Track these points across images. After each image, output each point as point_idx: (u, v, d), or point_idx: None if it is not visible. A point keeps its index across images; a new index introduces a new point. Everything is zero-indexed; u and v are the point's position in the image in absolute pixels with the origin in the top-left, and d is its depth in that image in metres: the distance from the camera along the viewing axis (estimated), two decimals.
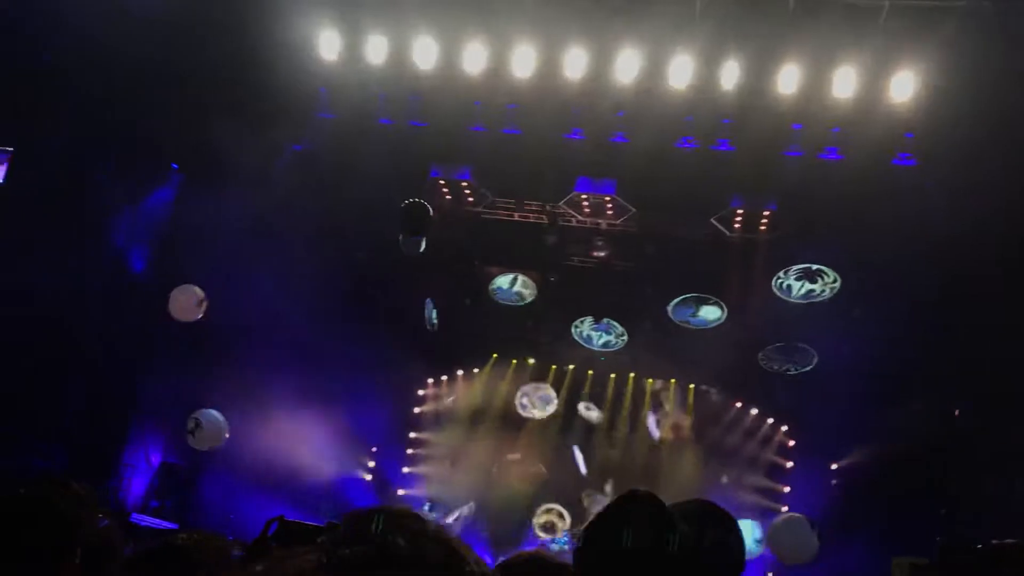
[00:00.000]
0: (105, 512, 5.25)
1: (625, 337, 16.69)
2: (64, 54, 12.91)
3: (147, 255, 14.57)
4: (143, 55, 12.58)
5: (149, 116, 13.14)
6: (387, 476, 16.70)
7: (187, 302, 12.41)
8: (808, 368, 15.56)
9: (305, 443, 14.82)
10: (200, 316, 12.56)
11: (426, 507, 14.85)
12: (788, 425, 16.44)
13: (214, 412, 12.50)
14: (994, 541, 1.87)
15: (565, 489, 16.55)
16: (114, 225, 13.82)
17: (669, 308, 15.95)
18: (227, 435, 12.42)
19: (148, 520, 13.25)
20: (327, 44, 13.51)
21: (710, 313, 15.85)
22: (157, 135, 13.57)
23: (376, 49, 13.43)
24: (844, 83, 12.45)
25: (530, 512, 16.27)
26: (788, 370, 15.68)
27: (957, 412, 13.85)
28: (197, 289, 12.53)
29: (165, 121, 13.31)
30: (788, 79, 12.49)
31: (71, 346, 12.77)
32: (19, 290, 12.20)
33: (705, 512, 1.72)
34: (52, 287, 11.89)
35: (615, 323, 16.66)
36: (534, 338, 17.35)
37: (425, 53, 13.32)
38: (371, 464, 16.92)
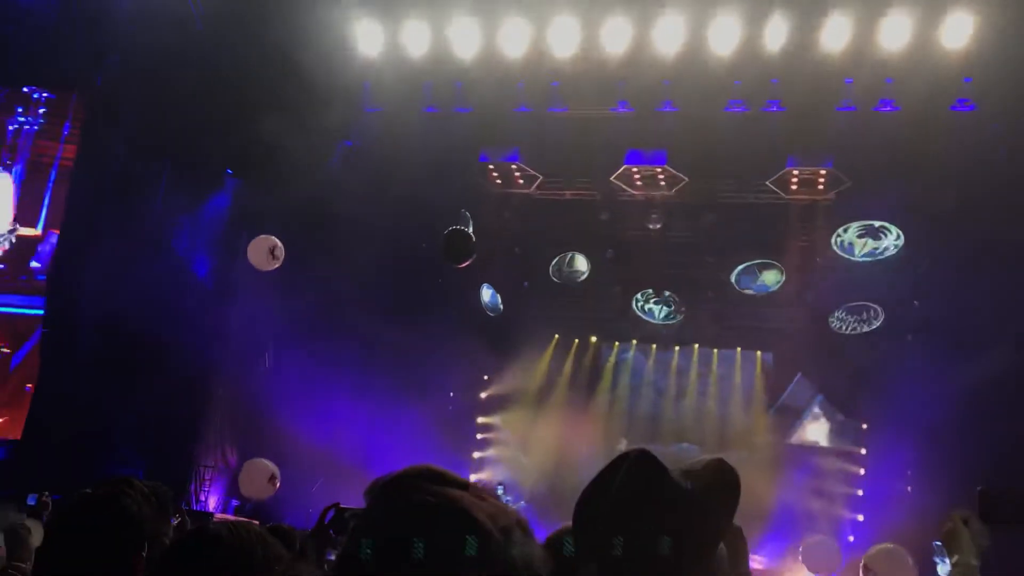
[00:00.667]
0: (179, 511, 5.40)
1: (685, 309, 16.53)
2: (114, 71, 13.25)
3: (209, 260, 14.88)
4: (189, 70, 12.84)
5: (201, 127, 13.39)
6: (457, 462, 16.82)
7: (263, 250, 12.37)
8: (876, 326, 15.22)
9: (376, 435, 15.02)
10: (275, 266, 12.49)
11: (499, 490, 14.91)
12: (860, 385, 16.11)
13: (264, 462, 12.29)
14: None
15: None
16: (175, 233, 14.14)
17: (732, 277, 15.74)
18: (277, 484, 12.13)
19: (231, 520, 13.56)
20: (367, 39, 13.59)
21: (770, 277, 15.60)
22: (211, 144, 13.82)
23: (416, 39, 13.46)
24: (895, 31, 12.07)
25: None
26: (857, 329, 15.35)
27: None
28: (275, 240, 12.51)
29: (217, 130, 13.54)
30: (836, 32, 12.16)
31: (143, 354, 13.12)
32: (91, 303, 12.61)
33: (710, 468, 1.70)
34: (122, 298, 12.23)
35: (675, 296, 16.51)
36: (595, 316, 17.29)
37: (465, 39, 13.31)
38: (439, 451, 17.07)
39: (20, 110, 15.15)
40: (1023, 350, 13.27)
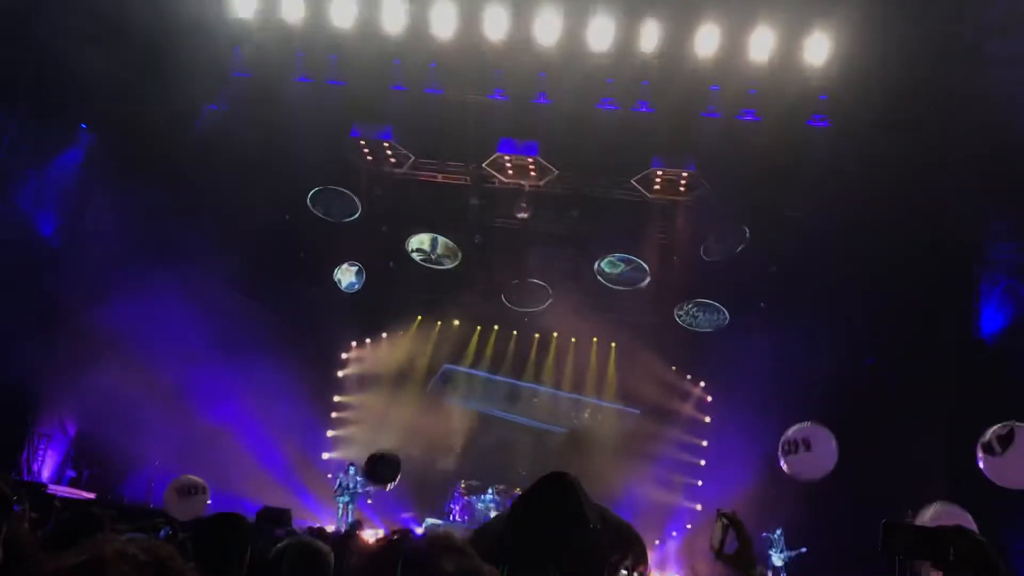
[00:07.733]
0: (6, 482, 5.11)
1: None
2: None
3: (55, 218, 14.05)
4: (46, 16, 12.05)
5: (56, 77, 12.58)
6: (310, 440, 16.56)
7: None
8: (722, 326, 15.92)
9: (227, 408, 14.65)
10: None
11: (350, 470, 14.77)
12: (705, 381, 16.84)
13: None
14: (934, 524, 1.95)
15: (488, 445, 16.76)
16: (19, 187, 13.28)
17: (601, 266, 16.10)
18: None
19: (65, 491, 12.92)
20: (241, 1, 13.15)
21: (615, 267, 16.04)
22: (65, 95, 13.02)
23: (292, 6, 13.12)
24: (761, 44, 12.61)
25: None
26: (705, 327, 15.99)
27: (869, 362, 14.36)
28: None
29: (74, 82, 12.75)
30: (706, 41, 12.59)
31: None
32: None
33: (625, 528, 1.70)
34: None
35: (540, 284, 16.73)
36: (459, 299, 17.33)
37: (343, 10, 13.07)
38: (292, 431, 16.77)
39: None
40: (862, 353, 14.24)
